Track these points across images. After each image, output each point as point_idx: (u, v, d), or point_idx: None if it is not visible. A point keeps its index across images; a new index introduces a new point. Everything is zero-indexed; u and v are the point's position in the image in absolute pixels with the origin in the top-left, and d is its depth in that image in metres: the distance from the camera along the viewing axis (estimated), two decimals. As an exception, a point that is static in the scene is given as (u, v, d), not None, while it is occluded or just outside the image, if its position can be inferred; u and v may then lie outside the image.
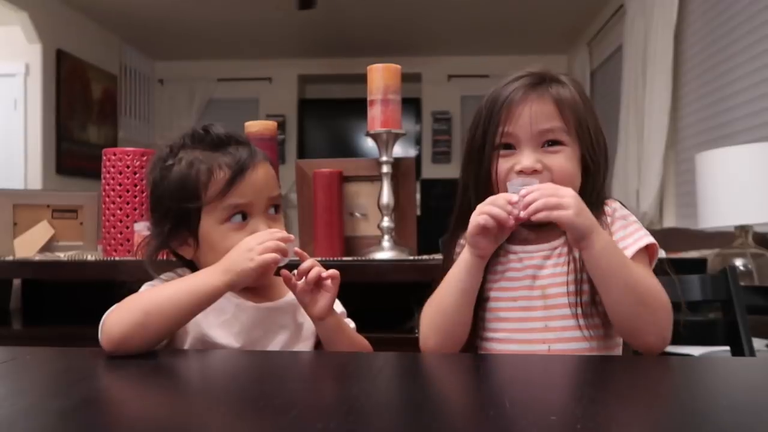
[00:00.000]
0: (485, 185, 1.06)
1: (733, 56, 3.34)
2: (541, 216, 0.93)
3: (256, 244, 0.98)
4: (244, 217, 1.07)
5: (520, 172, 1.02)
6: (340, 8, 5.40)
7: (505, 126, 1.03)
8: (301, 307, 1.10)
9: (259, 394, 0.76)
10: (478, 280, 1.03)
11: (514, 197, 0.96)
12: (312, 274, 1.03)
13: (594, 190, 1.05)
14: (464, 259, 1.02)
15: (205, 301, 0.99)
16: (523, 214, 0.94)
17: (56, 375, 0.90)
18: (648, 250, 1.03)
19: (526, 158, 1.02)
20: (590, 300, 1.00)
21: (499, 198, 0.97)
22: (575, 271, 1.01)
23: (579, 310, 1.00)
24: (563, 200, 0.94)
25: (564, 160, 1.02)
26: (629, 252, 1.00)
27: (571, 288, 1.01)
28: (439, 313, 1.05)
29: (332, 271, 1.05)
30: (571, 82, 1.07)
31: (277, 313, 1.12)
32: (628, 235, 1.02)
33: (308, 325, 1.13)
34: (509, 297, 1.05)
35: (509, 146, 1.04)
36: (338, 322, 1.10)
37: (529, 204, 0.94)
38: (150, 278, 1.10)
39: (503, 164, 1.04)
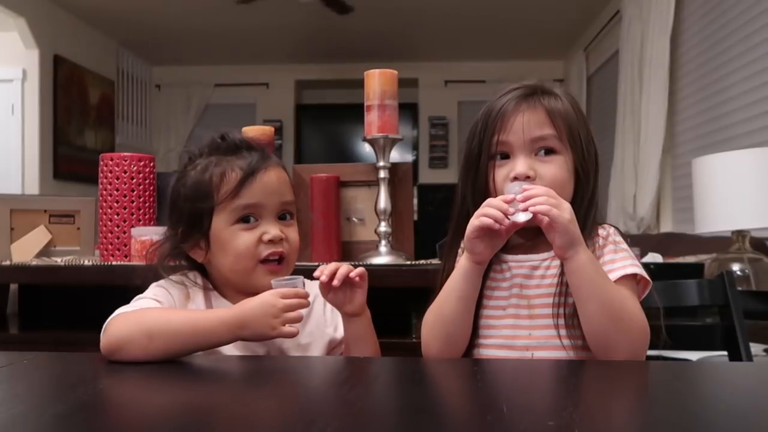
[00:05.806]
0: (482, 194, 1.08)
1: (730, 61, 3.35)
2: (541, 209, 0.94)
3: (281, 308, 0.96)
4: (255, 219, 1.09)
5: (515, 179, 1.05)
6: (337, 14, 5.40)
7: (500, 135, 1.07)
8: (307, 327, 1.11)
9: (256, 398, 0.76)
10: (476, 287, 1.04)
11: (510, 196, 0.98)
12: (342, 270, 1.05)
13: (585, 197, 1.07)
14: (462, 266, 1.04)
15: (212, 346, 0.99)
16: (521, 206, 0.96)
17: (53, 380, 0.90)
18: (638, 283, 1.04)
19: (520, 165, 1.05)
20: (573, 312, 1.01)
21: (494, 199, 1.00)
22: (560, 284, 1.03)
23: (561, 321, 1.02)
24: (562, 204, 0.97)
25: (556, 168, 1.05)
26: (612, 276, 1.01)
27: (555, 300, 1.03)
28: (438, 320, 1.06)
29: (359, 270, 1.07)
30: (564, 94, 1.11)
31: None
32: (617, 260, 1.04)
33: (316, 345, 1.13)
34: (499, 306, 1.07)
35: (505, 155, 1.07)
36: (370, 320, 1.11)
37: (530, 197, 0.96)
38: (159, 278, 1.11)
39: (499, 172, 1.07)
